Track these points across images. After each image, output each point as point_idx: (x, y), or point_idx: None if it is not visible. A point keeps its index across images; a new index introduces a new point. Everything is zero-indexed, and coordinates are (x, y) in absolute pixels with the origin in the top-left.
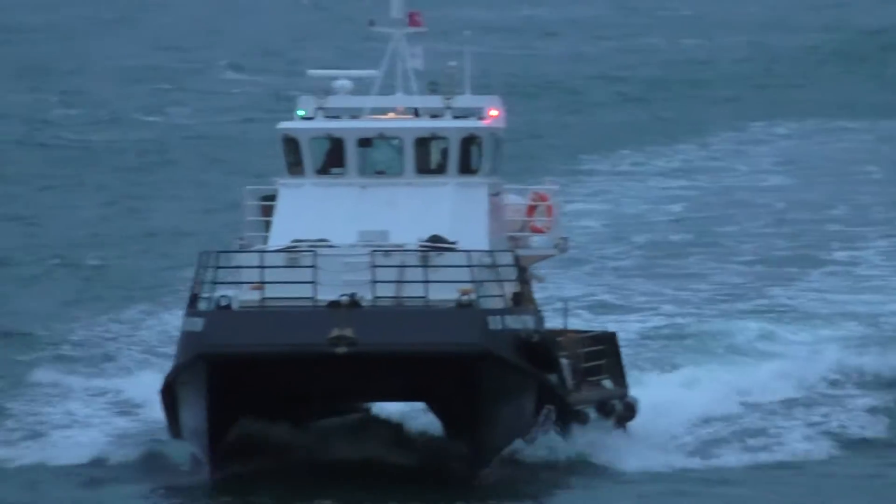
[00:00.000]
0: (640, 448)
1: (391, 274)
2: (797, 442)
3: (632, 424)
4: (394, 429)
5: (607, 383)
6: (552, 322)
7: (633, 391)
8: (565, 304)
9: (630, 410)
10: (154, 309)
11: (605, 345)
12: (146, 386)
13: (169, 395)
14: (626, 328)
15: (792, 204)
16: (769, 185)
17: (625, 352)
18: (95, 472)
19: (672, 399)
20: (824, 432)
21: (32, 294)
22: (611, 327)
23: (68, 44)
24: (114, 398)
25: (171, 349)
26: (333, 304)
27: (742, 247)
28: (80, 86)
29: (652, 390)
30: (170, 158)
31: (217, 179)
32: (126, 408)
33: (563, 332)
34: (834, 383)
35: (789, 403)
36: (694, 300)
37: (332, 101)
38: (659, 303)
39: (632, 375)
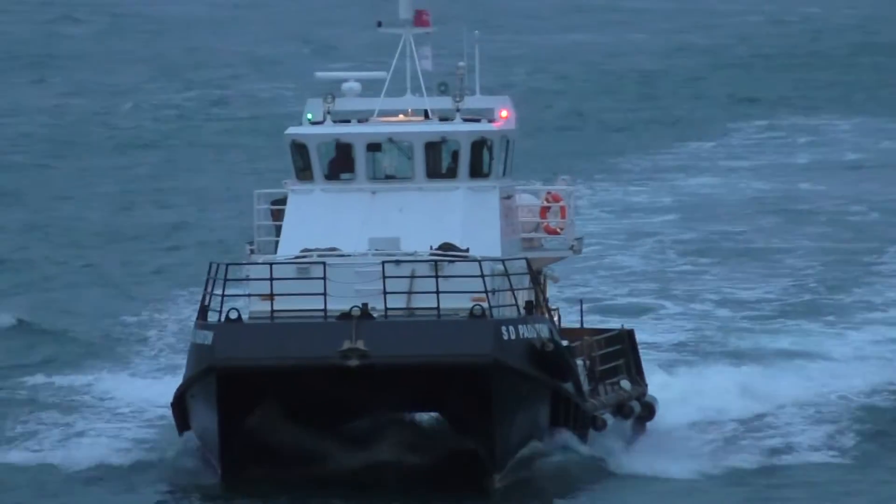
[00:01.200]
0: (655, 451)
1: (403, 284)
2: (810, 447)
3: (651, 424)
4: (408, 430)
5: (625, 383)
6: (568, 320)
7: (653, 390)
8: (581, 303)
9: (649, 410)
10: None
11: (622, 344)
12: (156, 391)
13: (180, 407)
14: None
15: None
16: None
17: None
18: (106, 476)
19: (687, 399)
20: (836, 439)
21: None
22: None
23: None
24: (125, 402)
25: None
26: (345, 316)
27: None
28: None
29: (670, 391)
30: None
31: None
32: (138, 411)
33: (580, 330)
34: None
35: (804, 407)
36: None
37: (341, 104)
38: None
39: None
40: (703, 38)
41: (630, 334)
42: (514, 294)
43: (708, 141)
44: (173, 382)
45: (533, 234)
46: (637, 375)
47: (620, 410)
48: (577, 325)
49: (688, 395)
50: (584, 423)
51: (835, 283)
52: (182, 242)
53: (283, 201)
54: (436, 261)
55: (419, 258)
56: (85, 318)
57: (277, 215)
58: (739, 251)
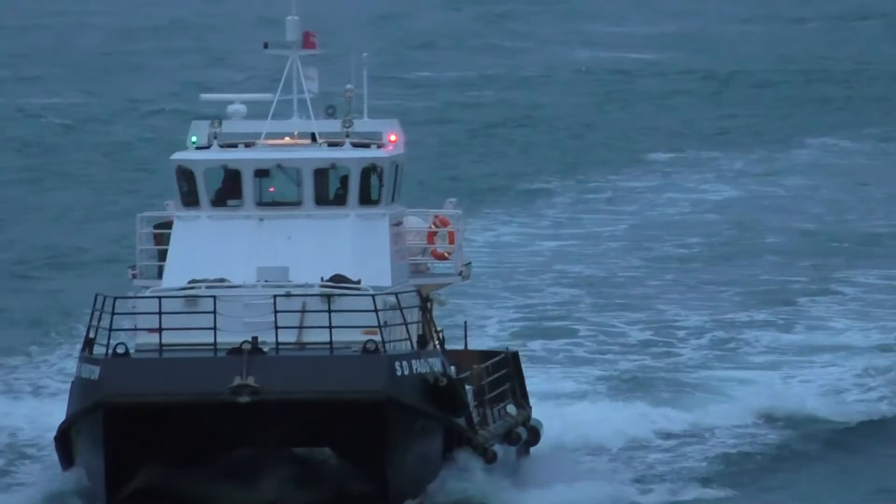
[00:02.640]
0: (546, 480)
1: (294, 317)
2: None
3: (535, 449)
4: (293, 466)
5: (511, 408)
6: (452, 344)
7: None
8: (465, 325)
9: (535, 435)
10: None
11: (507, 367)
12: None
13: (64, 442)
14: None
15: None
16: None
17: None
18: None
19: (572, 423)
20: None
21: None
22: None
23: None
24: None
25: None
26: (235, 351)
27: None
28: None
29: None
30: None
31: None
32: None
33: (464, 353)
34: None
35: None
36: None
37: (226, 126)
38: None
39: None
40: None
41: (515, 356)
42: (407, 328)
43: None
44: (37, 405)
45: (420, 259)
46: (522, 398)
47: (508, 437)
48: (461, 347)
49: (568, 417)
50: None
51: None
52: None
53: (166, 225)
54: (329, 294)
55: (311, 291)
56: None
57: (160, 239)
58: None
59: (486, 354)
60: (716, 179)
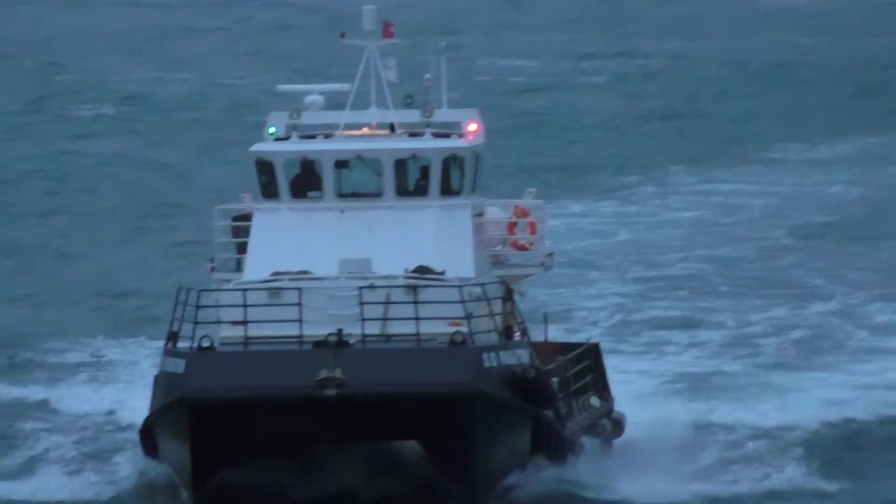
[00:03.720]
0: (635, 472)
1: (379, 309)
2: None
3: (618, 442)
4: (375, 456)
5: (594, 400)
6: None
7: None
8: (545, 317)
9: (618, 427)
10: None
11: (590, 359)
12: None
13: (148, 437)
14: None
15: None
16: None
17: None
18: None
19: (661, 417)
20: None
21: None
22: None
23: None
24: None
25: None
26: (321, 344)
27: None
28: None
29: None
30: None
31: None
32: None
33: (544, 344)
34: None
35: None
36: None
37: (305, 118)
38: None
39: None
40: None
41: (596, 348)
42: (493, 318)
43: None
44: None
45: (500, 250)
46: (604, 390)
47: (592, 430)
48: (541, 339)
49: (663, 410)
50: (564, 450)
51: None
52: None
53: (243, 217)
54: (414, 285)
55: (395, 283)
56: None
57: (238, 232)
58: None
59: (568, 346)
60: None
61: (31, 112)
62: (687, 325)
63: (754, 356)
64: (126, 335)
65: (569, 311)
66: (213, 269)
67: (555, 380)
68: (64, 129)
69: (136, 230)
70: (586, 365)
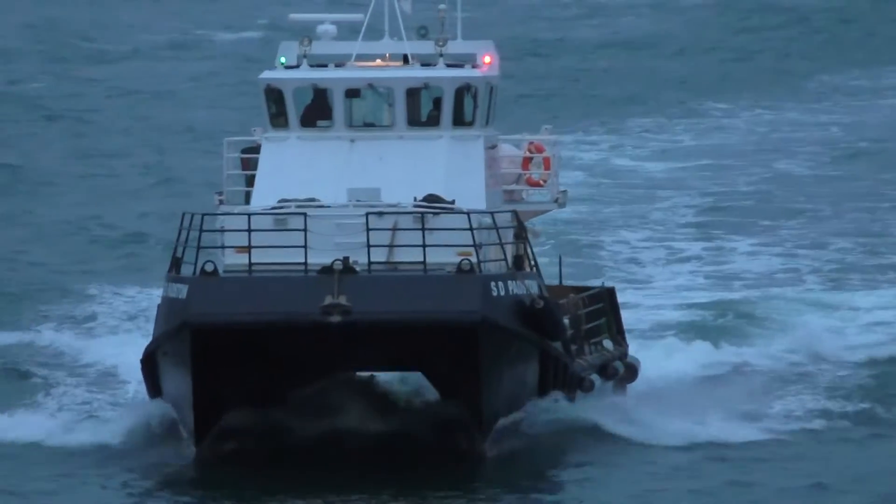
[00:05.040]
0: (648, 415)
1: (385, 236)
2: (809, 414)
3: (632, 386)
4: (372, 394)
5: (608, 343)
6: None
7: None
8: (560, 259)
9: (632, 372)
10: None
11: (604, 302)
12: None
13: (150, 365)
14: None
15: None
16: None
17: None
18: (71, 451)
19: (673, 364)
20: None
21: None
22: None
23: None
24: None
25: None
26: (326, 270)
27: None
28: None
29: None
30: None
31: None
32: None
33: (559, 287)
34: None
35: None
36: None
37: (316, 48)
38: None
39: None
40: None
41: (611, 292)
42: (502, 248)
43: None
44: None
45: (514, 187)
46: (618, 335)
47: (604, 371)
48: (556, 283)
49: (670, 357)
50: (573, 385)
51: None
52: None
53: (253, 150)
54: (422, 213)
55: (403, 210)
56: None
57: (247, 164)
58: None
59: (582, 289)
60: None
61: None
62: None
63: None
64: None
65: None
66: (220, 203)
67: (565, 318)
68: None
69: None
70: (600, 307)
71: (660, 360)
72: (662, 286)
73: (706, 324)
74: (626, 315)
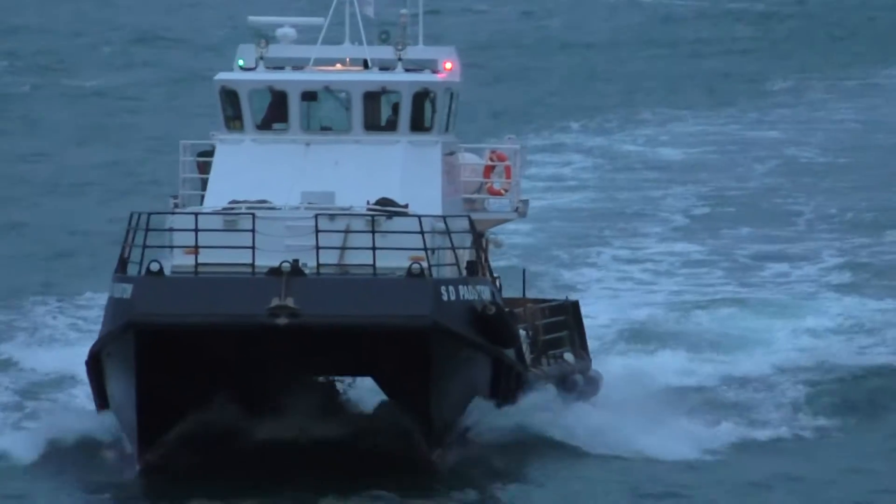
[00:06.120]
0: (596, 421)
1: (337, 239)
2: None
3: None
4: (321, 397)
5: (569, 356)
6: (510, 292)
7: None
8: (524, 273)
9: (593, 385)
10: None
11: (567, 315)
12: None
13: (95, 367)
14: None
15: None
16: None
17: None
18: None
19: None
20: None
21: None
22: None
23: None
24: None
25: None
26: (274, 272)
27: None
28: None
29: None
30: None
31: None
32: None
33: (522, 300)
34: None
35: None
36: None
37: (275, 51)
38: None
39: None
40: None
41: (575, 306)
42: (455, 253)
43: None
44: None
45: (476, 195)
46: (581, 349)
47: (564, 383)
48: (519, 296)
49: (634, 373)
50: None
51: None
52: None
53: (209, 153)
54: (372, 216)
55: (354, 212)
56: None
57: (204, 168)
58: None
59: (544, 301)
60: None
61: None
62: None
63: None
64: None
65: None
66: (175, 206)
67: (523, 328)
68: None
69: None
70: (561, 320)
71: (622, 372)
72: (629, 297)
73: (663, 332)
74: (590, 327)
